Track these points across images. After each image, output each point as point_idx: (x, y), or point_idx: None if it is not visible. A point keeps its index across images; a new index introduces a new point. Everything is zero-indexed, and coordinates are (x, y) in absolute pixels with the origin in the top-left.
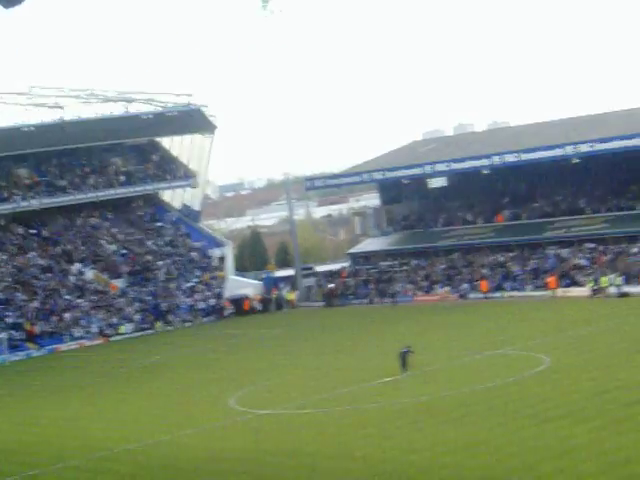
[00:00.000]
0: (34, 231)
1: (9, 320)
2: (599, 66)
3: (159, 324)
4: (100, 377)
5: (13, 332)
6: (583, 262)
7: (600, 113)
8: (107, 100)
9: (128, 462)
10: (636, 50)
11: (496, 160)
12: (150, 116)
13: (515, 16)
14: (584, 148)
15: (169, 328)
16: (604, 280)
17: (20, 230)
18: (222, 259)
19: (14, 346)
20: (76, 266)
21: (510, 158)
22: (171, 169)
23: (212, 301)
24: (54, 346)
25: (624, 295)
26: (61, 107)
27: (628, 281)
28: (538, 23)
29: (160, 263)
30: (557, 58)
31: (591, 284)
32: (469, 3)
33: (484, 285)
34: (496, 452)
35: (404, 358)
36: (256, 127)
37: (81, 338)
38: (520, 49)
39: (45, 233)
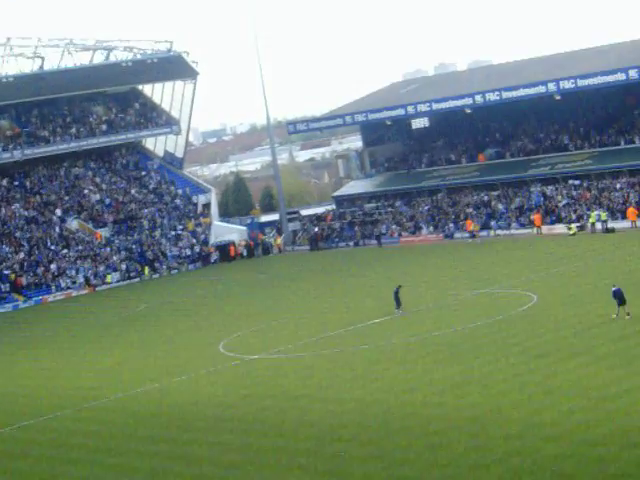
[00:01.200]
0: (17, 182)
1: None
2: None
3: (147, 270)
4: (88, 327)
5: None
6: (567, 200)
7: (582, 49)
8: (87, 49)
9: (118, 410)
10: None
11: (478, 99)
12: (130, 64)
13: None
14: (566, 84)
15: (155, 276)
16: (592, 216)
17: (3, 182)
18: (206, 205)
19: (1, 298)
20: (59, 214)
21: (492, 97)
22: (153, 116)
23: (197, 248)
24: (41, 297)
25: (610, 230)
26: (41, 57)
27: (612, 216)
28: None
29: (145, 211)
30: None
31: (574, 224)
32: None
33: (469, 225)
34: (485, 390)
35: (397, 296)
36: (237, 72)
37: (68, 288)
38: None
39: (28, 184)
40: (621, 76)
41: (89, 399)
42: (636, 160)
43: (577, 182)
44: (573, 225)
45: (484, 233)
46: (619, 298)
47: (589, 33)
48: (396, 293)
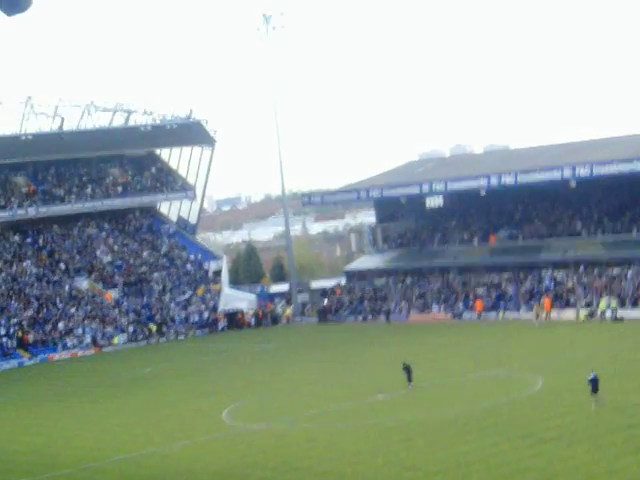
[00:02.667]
0: (30, 240)
1: (2, 329)
2: (597, 93)
3: (154, 327)
4: (92, 387)
5: (6, 339)
6: (579, 288)
7: (598, 139)
8: (106, 110)
9: (118, 473)
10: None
11: (494, 181)
12: (149, 128)
13: (515, 40)
14: (582, 171)
15: (162, 340)
16: (602, 304)
17: (16, 238)
18: (217, 272)
19: (6, 354)
20: (70, 274)
21: (508, 179)
22: (169, 181)
23: (206, 314)
24: (47, 355)
25: (619, 319)
26: (61, 116)
27: (622, 305)
28: (540, 47)
29: (155, 275)
30: (558, 84)
31: (583, 311)
32: (467, 24)
33: (479, 305)
34: (488, 472)
35: (409, 372)
36: (254, 142)
37: (74, 347)
38: (521, 73)
39: (41, 242)
40: (638, 165)
41: (88, 460)
42: None
43: (587, 269)
44: (583, 312)
45: (492, 315)
46: (593, 385)
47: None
48: (406, 369)
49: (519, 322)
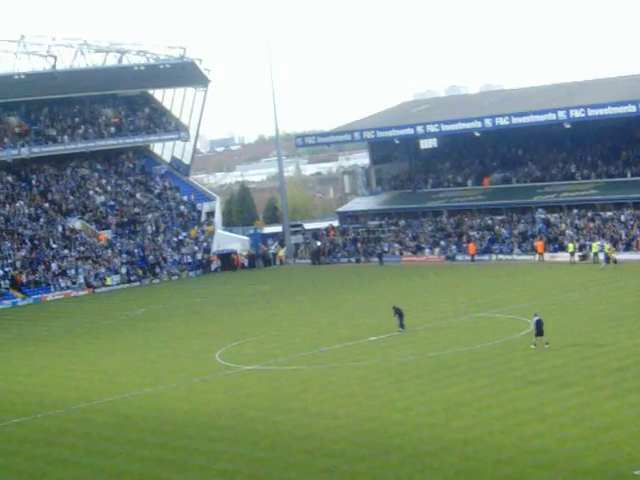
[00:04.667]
0: (22, 180)
1: None
2: (593, 33)
3: (146, 272)
4: (85, 328)
5: None
6: (570, 229)
7: (593, 79)
8: (100, 50)
9: (110, 413)
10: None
11: (488, 123)
12: (143, 68)
13: None
14: (576, 113)
15: (156, 281)
16: (594, 246)
17: (9, 179)
18: (210, 214)
19: (0, 294)
20: (63, 214)
21: (502, 121)
22: (162, 122)
23: (199, 255)
24: (40, 295)
25: (613, 262)
26: (53, 56)
27: (615, 248)
28: None
29: (148, 216)
30: (553, 23)
31: (571, 249)
32: None
33: (472, 247)
34: (479, 414)
35: (400, 315)
36: (248, 82)
37: (67, 288)
38: (517, 13)
39: (34, 182)
40: (632, 108)
41: (81, 400)
42: None
43: (581, 212)
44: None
45: (486, 257)
46: (538, 329)
47: (602, 63)
48: (398, 313)
49: (512, 264)
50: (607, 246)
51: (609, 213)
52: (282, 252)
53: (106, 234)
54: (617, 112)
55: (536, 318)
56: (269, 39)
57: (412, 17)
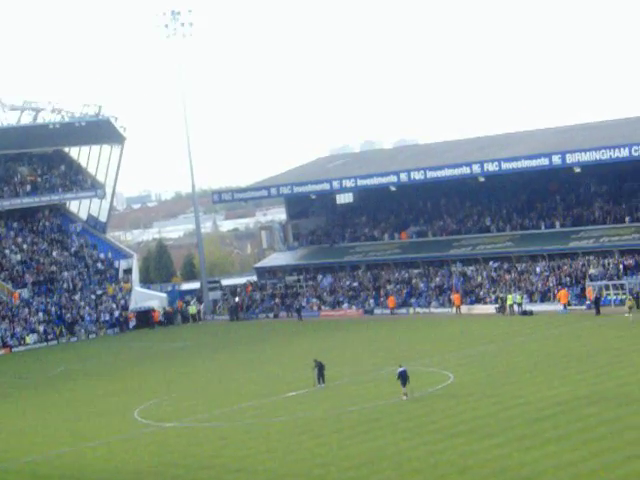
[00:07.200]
0: None
1: None
2: (504, 87)
3: (63, 331)
4: (2, 388)
5: None
6: (486, 281)
7: (506, 133)
8: (14, 109)
9: (28, 474)
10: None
11: (403, 177)
12: (58, 126)
13: (424, 37)
14: (490, 167)
15: (73, 339)
16: (509, 298)
17: None
18: (128, 271)
19: None
20: None
21: (417, 175)
22: (78, 179)
23: (117, 313)
24: None
25: (527, 313)
26: None
27: (531, 299)
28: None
29: (65, 274)
30: (465, 79)
31: (510, 301)
32: (374, 19)
33: (391, 301)
34: (399, 467)
35: (320, 370)
36: (164, 139)
37: None
38: (429, 69)
39: None
40: (544, 161)
41: None
42: (555, 244)
43: (496, 264)
44: (491, 306)
45: (403, 310)
46: (403, 379)
47: (514, 118)
48: (319, 367)
49: (430, 317)
50: (519, 298)
51: (524, 265)
52: (195, 308)
53: (23, 293)
54: (530, 165)
55: (400, 369)
56: (184, 95)
57: (326, 73)
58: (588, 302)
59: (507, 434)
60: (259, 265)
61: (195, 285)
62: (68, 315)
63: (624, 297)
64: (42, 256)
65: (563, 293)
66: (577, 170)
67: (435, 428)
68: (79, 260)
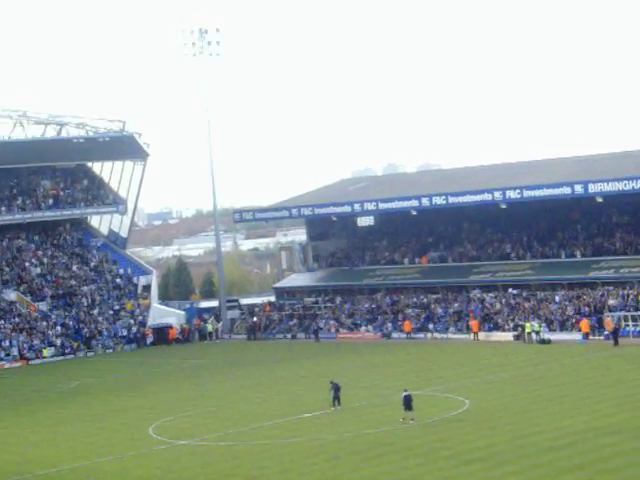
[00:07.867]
0: None
1: None
2: (529, 116)
3: (80, 345)
4: (18, 401)
5: None
6: (505, 308)
7: (529, 161)
8: (39, 122)
9: None
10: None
11: (425, 202)
12: (82, 140)
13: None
14: (512, 194)
15: (90, 354)
16: (527, 326)
17: None
18: (147, 287)
19: None
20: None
21: (439, 200)
22: (100, 194)
23: (134, 329)
24: None
25: (545, 342)
26: None
27: (550, 328)
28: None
29: (84, 288)
30: (492, 105)
31: (528, 329)
32: (401, 43)
33: (407, 325)
34: None
35: (337, 390)
36: (187, 156)
37: (0, 360)
38: (455, 93)
39: None
40: (567, 190)
41: (13, 474)
42: (575, 274)
43: (515, 291)
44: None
45: (421, 335)
46: (406, 404)
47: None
48: (335, 388)
49: (447, 343)
50: (537, 326)
51: (544, 293)
52: (211, 327)
53: (41, 306)
54: (553, 194)
55: (404, 394)
56: (208, 113)
57: (352, 95)
58: (606, 332)
59: (522, 462)
60: (278, 285)
61: (214, 303)
62: (86, 329)
63: None
64: (62, 270)
65: (585, 322)
66: (599, 200)
67: (450, 454)
68: (98, 275)
